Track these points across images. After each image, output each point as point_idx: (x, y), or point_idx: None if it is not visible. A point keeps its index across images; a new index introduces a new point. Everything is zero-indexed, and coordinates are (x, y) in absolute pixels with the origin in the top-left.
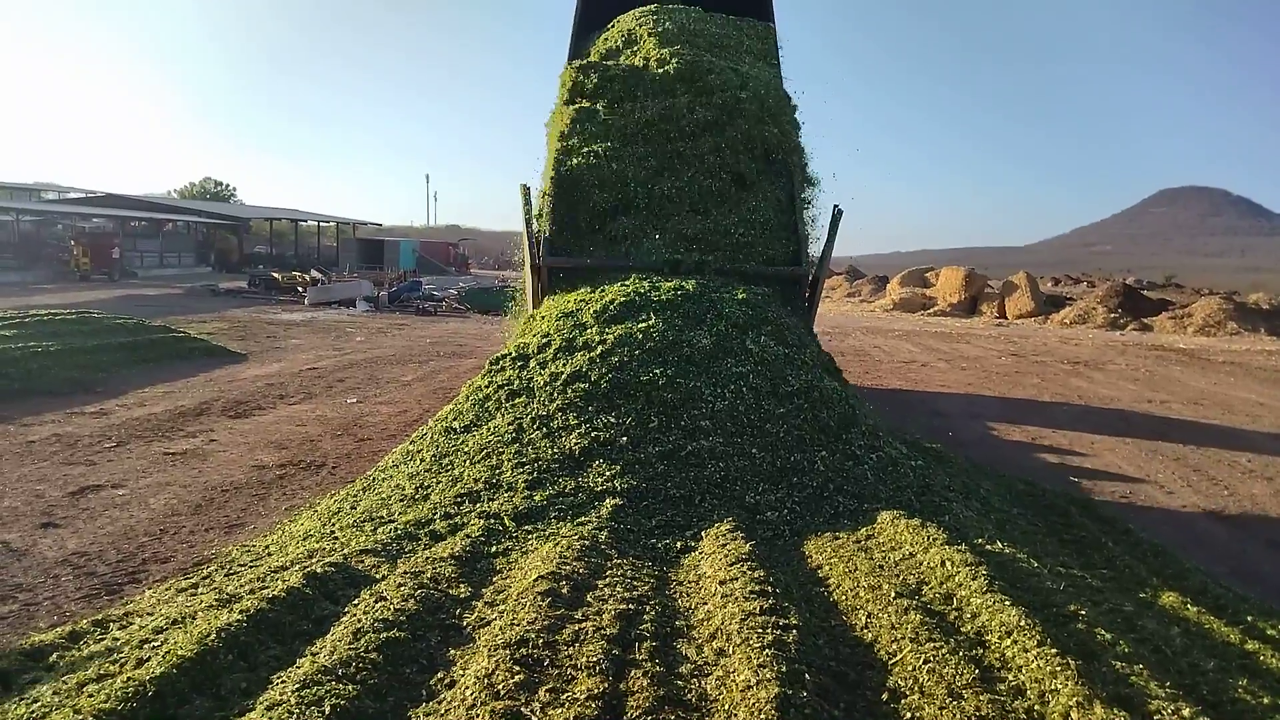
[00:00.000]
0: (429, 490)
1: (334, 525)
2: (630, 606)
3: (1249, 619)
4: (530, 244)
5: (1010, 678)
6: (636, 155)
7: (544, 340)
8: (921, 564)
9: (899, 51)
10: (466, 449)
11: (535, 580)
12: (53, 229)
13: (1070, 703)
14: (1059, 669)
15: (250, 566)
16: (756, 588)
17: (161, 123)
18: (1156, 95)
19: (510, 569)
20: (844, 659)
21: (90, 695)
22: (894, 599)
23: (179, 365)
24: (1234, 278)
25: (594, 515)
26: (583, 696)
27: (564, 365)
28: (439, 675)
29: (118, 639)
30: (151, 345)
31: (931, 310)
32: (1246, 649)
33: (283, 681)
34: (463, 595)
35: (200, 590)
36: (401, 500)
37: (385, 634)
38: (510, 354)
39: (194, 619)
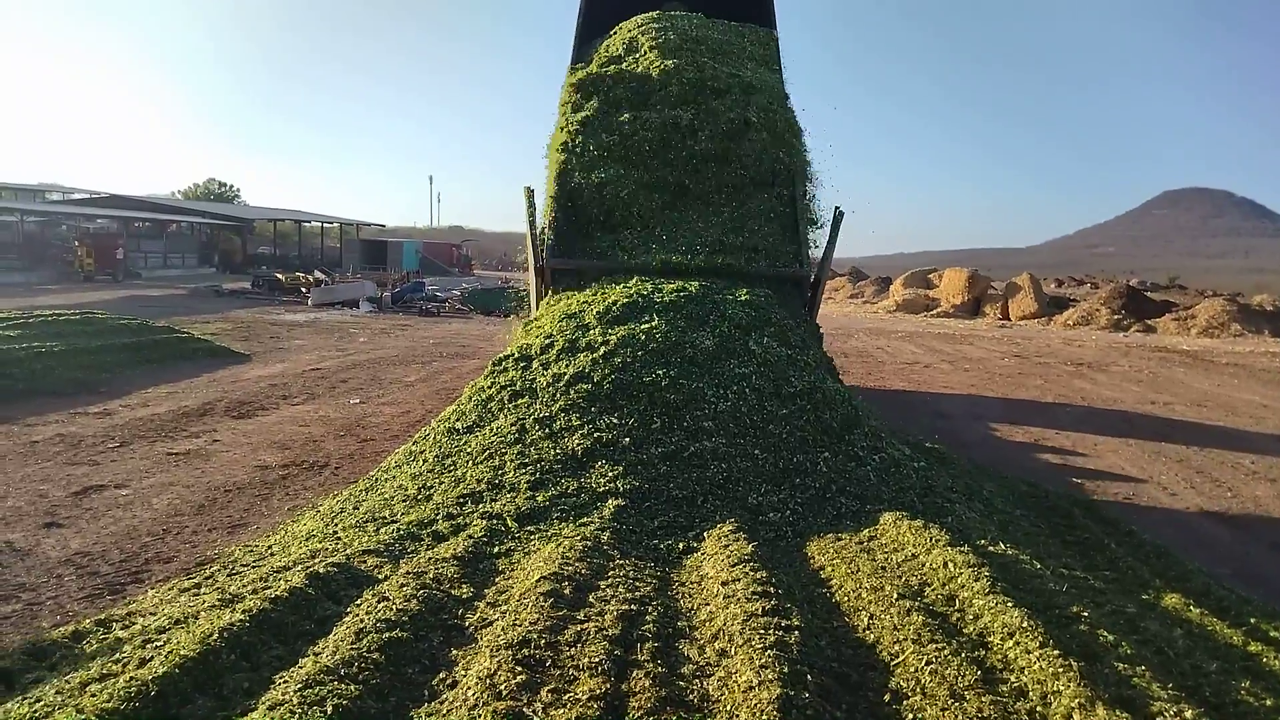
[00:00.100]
0: (431, 491)
1: (336, 525)
2: (632, 607)
3: (1252, 621)
4: (533, 246)
5: (1012, 679)
6: (639, 164)
7: (547, 341)
8: (924, 565)
9: (901, 53)
10: (469, 449)
11: (537, 581)
12: (57, 230)
13: (1072, 704)
14: (1061, 670)
15: (253, 566)
16: (759, 589)
17: (165, 124)
18: (1159, 97)
19: (512, 569)
20: (846, 660)
21: (93, 694)
22: (896, 600)
23: (182, 366)
24: (1237, 279)
25: (596, 516)
26: (585, 697)
27: (567, 366)
28: (441, 675)
29: (120, 638)
30: (155, 346)
31: (935, 312)
32: (1249, 651)
33: (285, 681)
34: (465, 595)
35: (203, 590)
36: (404, 500)
37: (387, 634)
38: (513, 355)
39: (196, 619)
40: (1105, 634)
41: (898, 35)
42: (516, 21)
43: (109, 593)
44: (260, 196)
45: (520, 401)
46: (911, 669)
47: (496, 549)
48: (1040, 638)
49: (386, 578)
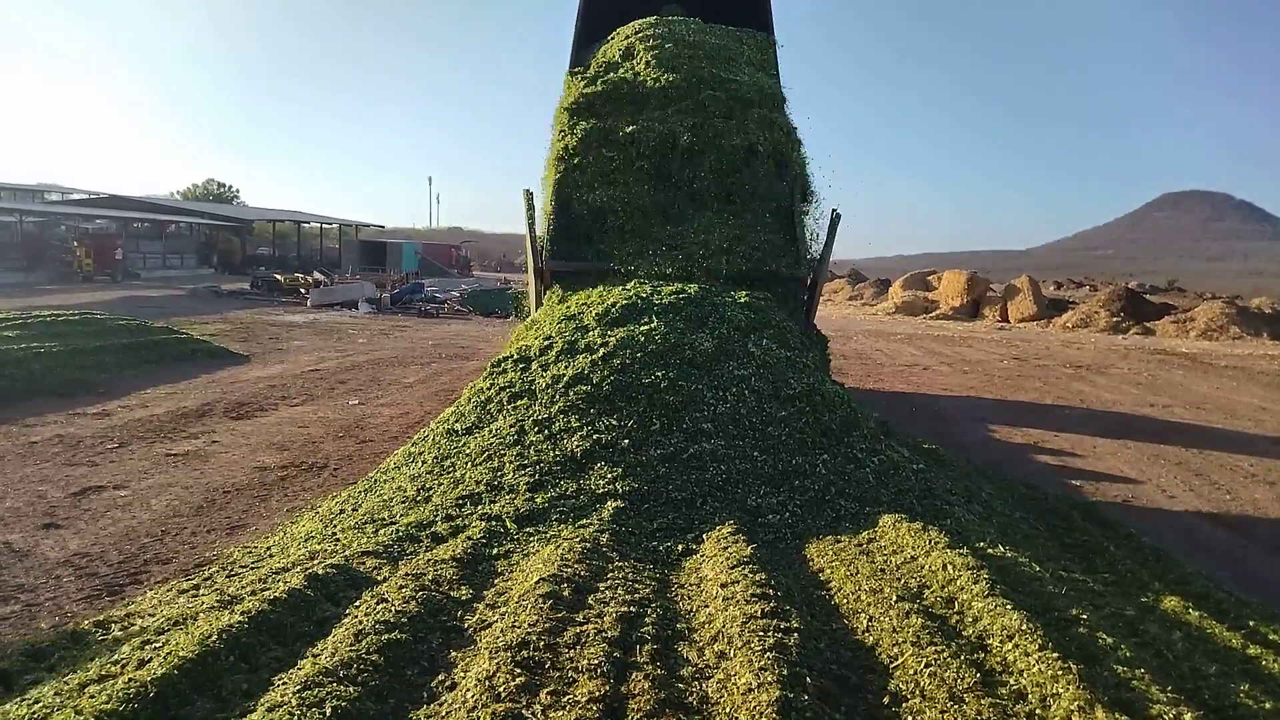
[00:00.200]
0: (430, 492)
1: (335, 527)
2: (631, 609)
3: (1251, 623)
4: (533, 249)
5: (1012, 682)
6: (636, 170)
7: (546, 342)
8: (923, 567)
9: (900, 55)
10: (468, 451)
11: (536, 582)
12: (56, 230)
13: (1072, 707)
14: (1060, 673)
15: (252, 568)
16: (758, 591)
17: (164, 124)
18: (1159, 99)
19: (511, 571)
20: (845, 662)
21: (91, 696)
22: (895, 602)
23: (181, 366)
24: (1236, 282)
25: (595, 518)
26: (584, 699)
27: (566, 368)
28: (440, 677)
29: (119, 639)
30: (154, 346)
31: (934, 314)
32: (1248, 653)
33: (284, 683)
34: (464, 597)
35: (202, 591)
36: (403, 502)
37: (386, 635)
38: (512, 356)
39: (195, 620)
40: (1104, 636)
41: (897, 37)
42: (516, 22)
43: (108, 594)
44: (259, 197)
45: (519, 403)
46: (911, 671)
47: (495, 550)
48: (1039, 640)
49: (385, 579)
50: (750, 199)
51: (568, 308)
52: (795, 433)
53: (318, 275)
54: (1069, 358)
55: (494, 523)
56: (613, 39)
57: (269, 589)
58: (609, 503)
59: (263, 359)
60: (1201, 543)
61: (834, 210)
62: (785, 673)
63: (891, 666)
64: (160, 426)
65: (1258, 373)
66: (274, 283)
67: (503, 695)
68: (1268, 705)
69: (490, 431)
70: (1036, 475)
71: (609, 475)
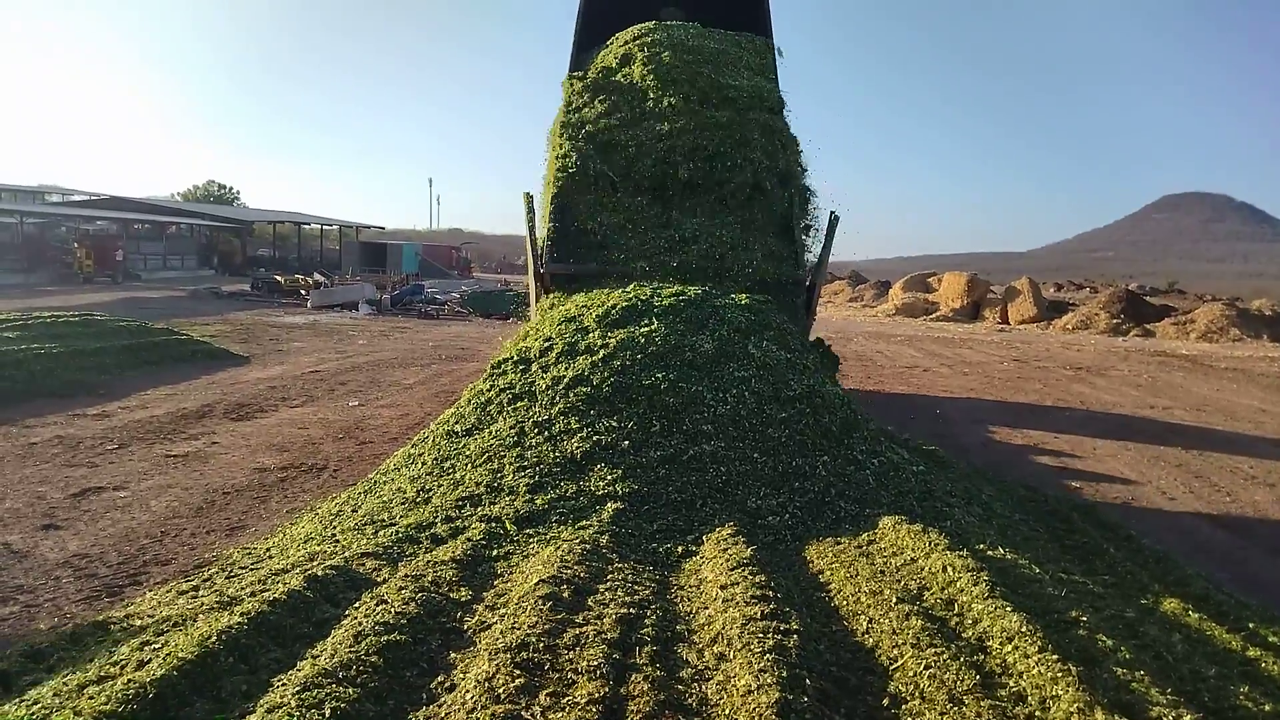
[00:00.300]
0: (430, 493)
1: (335, 528)
2: (631, 611)
3: (1250, 626)
4: (533, 251)
5: (1011, 684)
6: (634, 174)
7: (546, 344)
8: (923, 569)
9: (900, 57)
10: (468, 452)
11: (536, 584)
12: (56, 231)
13: (1071, 709)
14: (1060, 675)
15: (251, 569)
16: (757, 592)
17: (165, 126)
18: (1159, 101)
19: (511, 572)
20: (845, 664)
21: (91, 697)
22: (895, 604)
23: (181, 367)
24: (1236, 284)
25: (595, 519)
26: (583, 700)
27: (566, 369)
28: (439, 678)
29: (118, 640)
30: (154, 348)
31: (934, 315)
32: (1248, 656)
33: (283, 684)
34: (463, 598)
35: (201, 592)
36: (403, 503)
37: (386, 637)
38: (512, 358)
39: (195, 621)
40: (1104, 638)
41: (897, 38)
42: (516, 24)
43: (107, 595)
44: (260, 199)
45: (519, 404)
46: (910, 673)
47: (495, 552)
48: (1039, 642)
49: (385, 580)
50: (748, 194)
51: (568, 310)
52: (795, 434)
53: (318, 276)
54: (1069, 359)
55: (494, 524)
56: (611, 43)
57: (268, 590)
58: (609, 504)
59: (263, 360)
60: (1201, 545)
61: (832, 213)
62: (785, 674)
63: (891, 668)
64: (160, 428)
65: (1258, 375)
66: (274, 284)
67: (502, 696)
68: (1267, 707)
69: (490, 433)
70: (1036, 477)
71: (609, 477)
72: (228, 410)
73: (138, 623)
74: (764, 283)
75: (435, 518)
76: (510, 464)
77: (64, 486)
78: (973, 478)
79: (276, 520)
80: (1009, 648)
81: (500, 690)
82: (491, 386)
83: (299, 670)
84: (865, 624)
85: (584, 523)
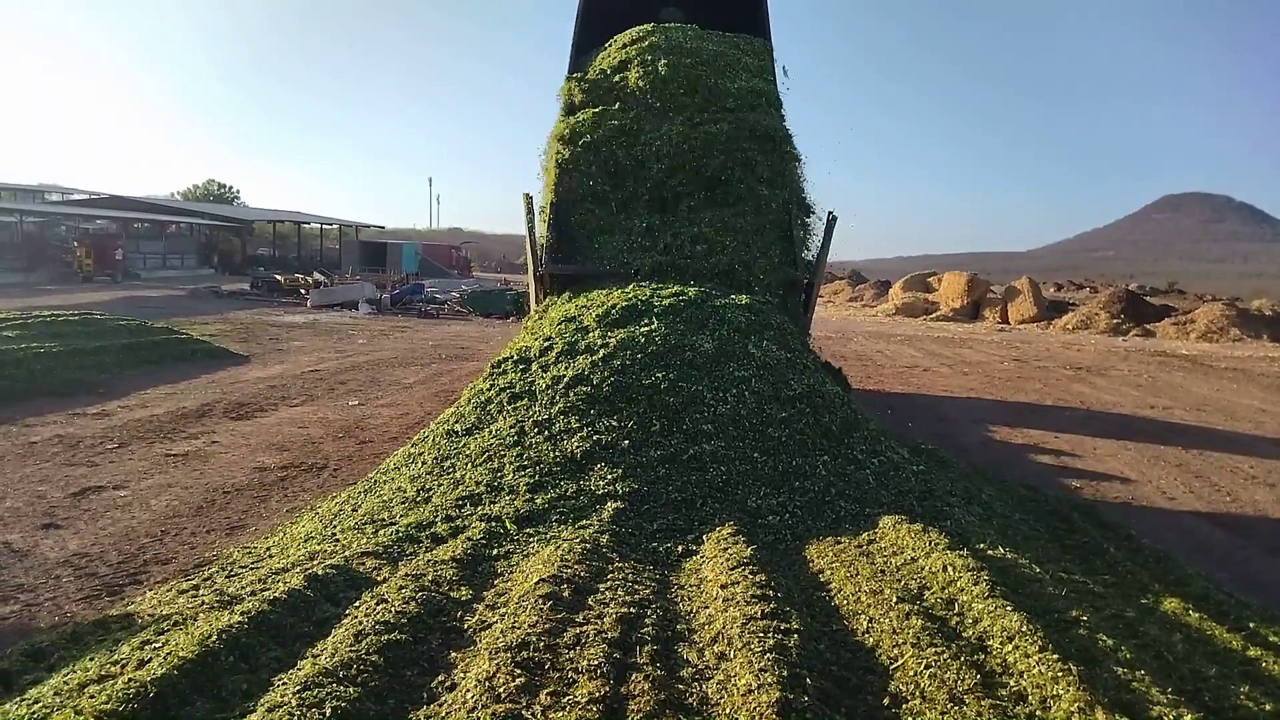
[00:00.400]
0: (430, 493)
1: (335, 527)
2: (631, 610)
3: (1251, 625)
4: (533, 251)
5: (1012, 683)
6: (632, 177)
7: (546, 344)
8: (923, 569)
9: (900, 57)
10: (468, 452)
11: (536, 583)
12: (56, 230)
13: (1072, 708)
14: (1060, 674)
15: (251, 568)
16: (758, 592)
17: (165, 125)
18: (1159, 102)
19: (511, 572)
20: (845, 664)
21: (91, 696)
22: (895, 604)
23: (181, 367)
24: (1236, 284)
25: (595, 518)
26: (583, 700)
27: (566, 369)
28: (440, 678)
29: (119, 639)
30: (154, 347)
31: (934, 315)
32: (1248, 655)
33: (284, 683)
34: (464, 598)
35: (201, 591)
36: (403, 503)
37: (386, 636)
38: (512, 357)
39: (195, 620)
40: (1104, 638)
41: (897, 38)
42: (517, 25)
43: (107, 594)
44: (259, 198)
45: (519, 404)
46: (911, 672)
47: (495, 551)
48: (1040, 641)
49: (385, 580)
50: (746, 195)
51: (568, 309)
52: (795, 434)
53: (318, 276)
54: (1069, 359)
55: (494, 523)
56: (610, 46)
57: (269, 589)
58: (609, 504)
59: (263, 359)
60: (1201, 544)
61: (830, 213)
62: (785, 674)
63: (891, 668)
64: (160, 427)
65: (1258, 375)
66: (274, 283)
67: (502, 696)
68: (1268, 707)
69: (490, 432)
70: (1036, 476)
71: (609, 476)
72: (228, 409)
73: (138, 622)
74: (764, 283)
75: (435, 517)
76: (510, 463)
77: (64, 485)
78: (973, 477)
79: (277, 519)
80: (1009, 647)
81: (501, 689)
82: (491, 386)
83: (299, 669)
84: (865, 623)
85: (584, 522)
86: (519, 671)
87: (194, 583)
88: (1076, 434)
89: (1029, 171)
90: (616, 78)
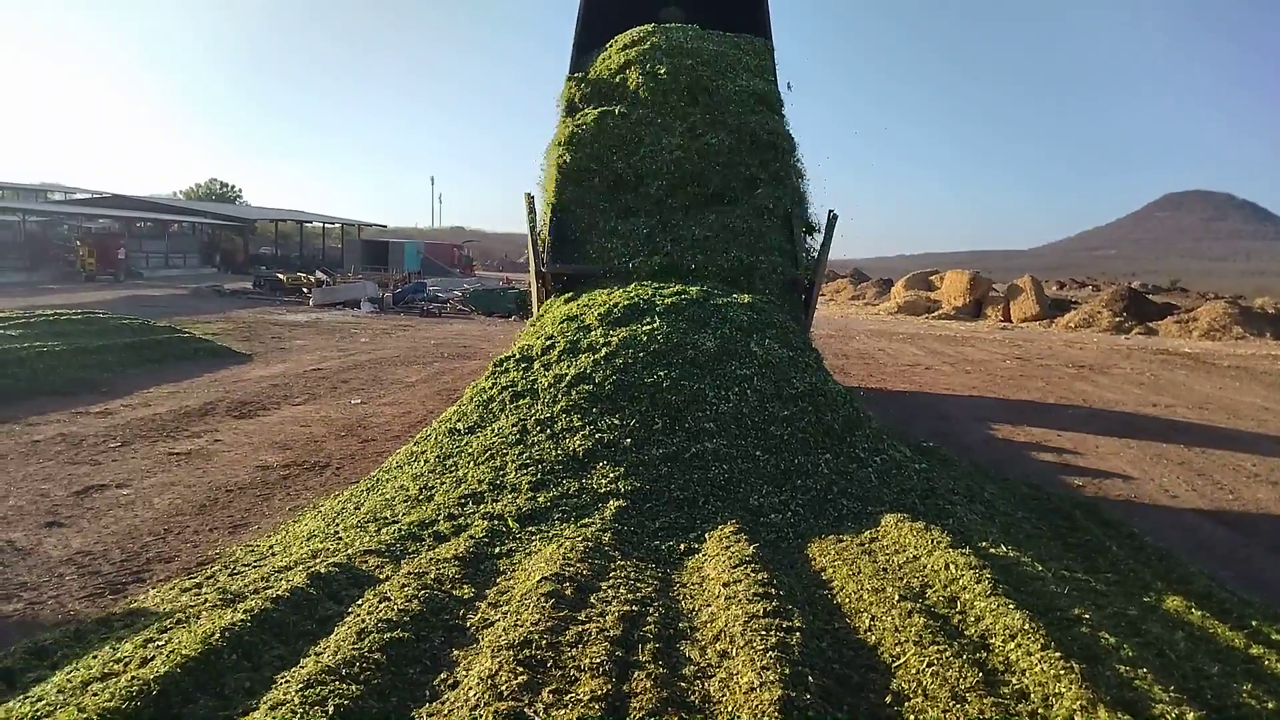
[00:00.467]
0: (433, 491)
1: (338, 525)
2: (634, 608)
3: (1253, 623)
4: (534, 251)
5: (1014, 681)
6: (632, 177)
7: (548, 342)
8: (925, 567)
9: (901, 56)
10: (470, 450)
11: (539, 581)
12: (58, 229)
13: (1074, 706)
14: (1063, 673)
15: (254, 566)
16: (760, 590)
17: (167, 124)
18: (1161, 100)
19: (514, 570)
20: (847, 662)
21: (94, 694)
22: (897, 602)
23: (184, 365)
24: (1239, 282)
25: (597, 517)
26: (586, 698)
27: (568, 367)
28: (442, 676)
29: (122, 637)
30: (156, 345)
31: (936, 313)
32: (1251, 653)
33: (286, 681)
34: (466, 596)
35: (204, 590)
36: (405, 501)
37: (389, 634)
38: (514, 356)
39: (198, 618)
40: (1107, 636)
41: (898, 38)
42: (519, 24)
43: (110, 592)
44: (262, 197)
45: (521, 402)
46: (913, 671)
47: (498, 549)
48: (1042, 640)
49: (388, 578)
50: (745, 195)
51: (569, 308)
52: (798, 432)
53: (320, 275)
54: (1071, 357)
55: (496, 522)
56: (610, 46)
57: (271, 587)
58: (611, 502)
59: (265, 358)
60: (1204, 542)
61: (830, 212)
62: (787, 672)
63: (894, 666)
64: (163, 425)
65: (1260, 373)
66: (276, 282)
67: (505, 694)
68: (1270, 705)
69: (492, 431)
70: (1039, 474)
71: (611, 474)
72: (230, 408)
73: (141, 620)
74: (766, 282)
75: (438, 515)
76: (513, 461)
77: (67, 484)
78: (975, 475)
79: (279, 518)
80: (1011, 645)
81: (503, 687)
82: (494, 384)
83: (302, 667)
84: (868, 621)
85: (586, 520)
86: (521, 669)
87: (197, 581)
88: (1079, 432)
89: (1031, 170)
90: (617, 79)
